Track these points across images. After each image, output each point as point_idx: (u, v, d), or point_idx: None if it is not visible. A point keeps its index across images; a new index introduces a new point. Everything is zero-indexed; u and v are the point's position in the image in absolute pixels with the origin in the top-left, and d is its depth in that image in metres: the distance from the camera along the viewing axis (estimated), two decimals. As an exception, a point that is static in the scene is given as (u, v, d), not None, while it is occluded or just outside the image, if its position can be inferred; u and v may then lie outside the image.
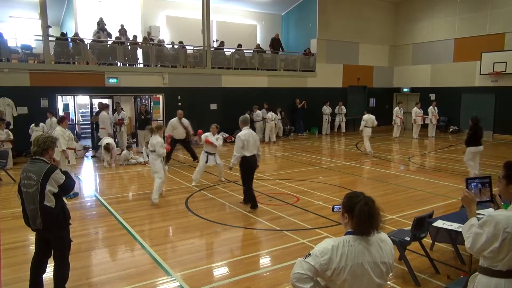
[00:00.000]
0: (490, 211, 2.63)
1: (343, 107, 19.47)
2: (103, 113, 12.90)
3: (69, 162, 8.31)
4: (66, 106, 17.36)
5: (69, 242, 4.02)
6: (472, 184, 2.90)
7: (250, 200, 7.14)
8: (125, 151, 12.05)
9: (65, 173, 3.93)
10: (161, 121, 15.79)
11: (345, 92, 20.36)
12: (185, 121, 11.61)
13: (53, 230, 3.85)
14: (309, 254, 2.24)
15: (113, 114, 14.15)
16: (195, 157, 11.59)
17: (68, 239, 4.01)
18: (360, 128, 13.37)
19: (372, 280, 2.25)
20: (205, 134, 8.87)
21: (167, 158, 9.51)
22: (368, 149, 13.02)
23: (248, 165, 6.94)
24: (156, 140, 7.61)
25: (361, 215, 2.21)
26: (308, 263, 2.20)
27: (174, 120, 11.55)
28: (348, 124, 20.31)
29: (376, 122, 13.39)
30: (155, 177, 7.70)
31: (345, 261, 2.19)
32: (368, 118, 13.19)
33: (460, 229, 3.34)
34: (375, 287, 2.27)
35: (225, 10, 19.28)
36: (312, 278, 2.21)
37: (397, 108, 17.21)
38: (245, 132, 6.91)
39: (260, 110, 16.61)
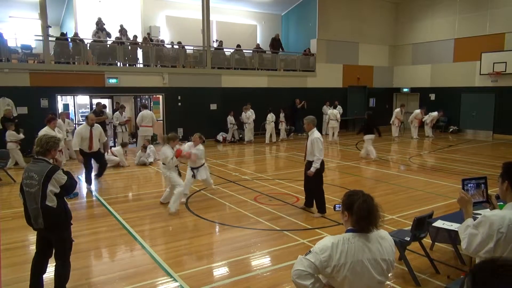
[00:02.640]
0: (486, 211, 2.64)
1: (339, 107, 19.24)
2: (147, 111, 13.57)
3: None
4: (66, 106, 17.35)
5: (70, 242, 4.03)
6: (469, 185, 2.92)
7: (322, 204, 6.79)
8: (139, 152, 12.01)
9: (67, 173, 3.93)
10: (161, 121, 15.83)
11: (345, 92, 20.37)
12: (97, 128, 8.86)
13: (54, 230, 3.86)
14: (310, 251, 2.28)
15: (113, 113, 14.20)
16: (99, 174, 9.48)
17: (69, 239, 4.01)
18: (326, 121, 17.18)
19: (373, 277, 2.26)
20: (183, 147, 7.69)
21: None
22: (330, 139, 16.02)
23: (323, 167, 6.79)
24: (165, 154, 6.89)
25: (360, 212, 2.24)
26: (308, 260, 2.24)
27: (82, 127, 8.75)
28: (348, 124, 20.33)
29: (339, 116, 16.58)
30: (175, 186, 7.03)
31: (345, 258, 2.21)
32: (331, 113, 16.34)
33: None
34: (376, 284, 2.29)
35: (225, 10, 19.30)
36: (313, 275, 2.24)
37: (398, 109, 17.23)
38: (319, 133, 6.72)
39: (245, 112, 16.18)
